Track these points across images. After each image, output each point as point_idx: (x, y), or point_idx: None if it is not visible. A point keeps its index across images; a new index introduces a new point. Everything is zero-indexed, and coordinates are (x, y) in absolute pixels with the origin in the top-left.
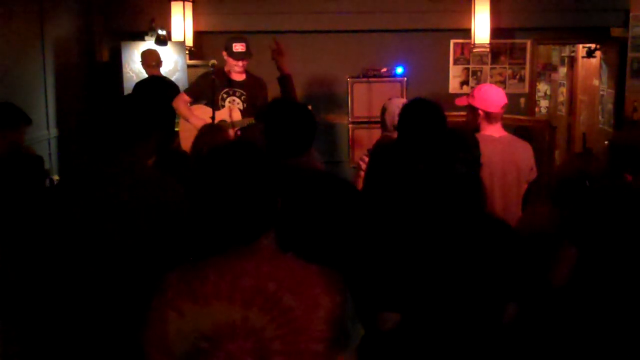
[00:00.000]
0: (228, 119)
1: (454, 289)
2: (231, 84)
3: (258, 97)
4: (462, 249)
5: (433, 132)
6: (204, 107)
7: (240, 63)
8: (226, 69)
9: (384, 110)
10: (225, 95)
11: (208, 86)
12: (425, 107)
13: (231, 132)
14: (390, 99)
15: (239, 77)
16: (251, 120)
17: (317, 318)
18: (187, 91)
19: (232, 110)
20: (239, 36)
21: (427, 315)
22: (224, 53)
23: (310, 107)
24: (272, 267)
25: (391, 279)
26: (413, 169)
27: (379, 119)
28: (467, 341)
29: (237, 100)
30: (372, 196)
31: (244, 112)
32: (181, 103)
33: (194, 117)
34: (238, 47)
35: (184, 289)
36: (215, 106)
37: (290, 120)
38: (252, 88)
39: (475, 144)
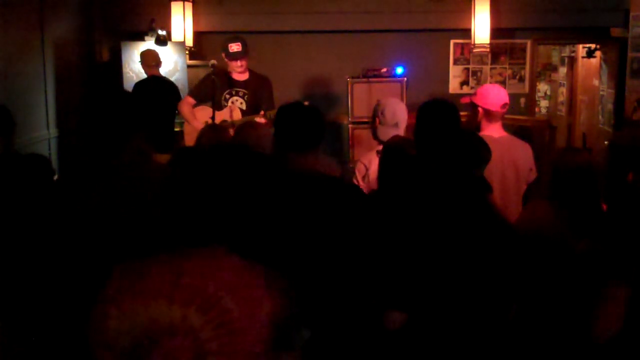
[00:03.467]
0: (229, 119)
1: (460, 290)
2: (233, 84)
3: (261, 96)
4: (468, 250)
5: (450, 133)
6: (207, 108)
7: (238, 63)
8: (228, 69)
9: (382, 107)
10: (227, 96)
11: (209, 87)
12: (445, 108)
13: (231, 131)
14: (379, 100)
15: (241, 76)
16: (252, 118)
17: (257, 320)
18: (190, 93)
19: (232, 109)
20: (234, 36)
21: (433, 316)
22: (222, 55)
23: (306, 103)
24: (213, 268)
25: (398, 279)
26: (426, 170)
27: None
28: (472, 341)
29: (240, 99)
30: (387, 198)
31: (245, 111)
32: (185, 106)
33: (194, 120)
34: (234, 47)
35: (125, 284)
36: (218, 106)
37: (299, 114)
38: (255, 87)
39: (483, 145)
